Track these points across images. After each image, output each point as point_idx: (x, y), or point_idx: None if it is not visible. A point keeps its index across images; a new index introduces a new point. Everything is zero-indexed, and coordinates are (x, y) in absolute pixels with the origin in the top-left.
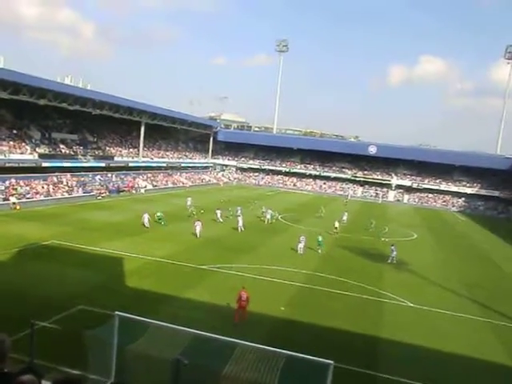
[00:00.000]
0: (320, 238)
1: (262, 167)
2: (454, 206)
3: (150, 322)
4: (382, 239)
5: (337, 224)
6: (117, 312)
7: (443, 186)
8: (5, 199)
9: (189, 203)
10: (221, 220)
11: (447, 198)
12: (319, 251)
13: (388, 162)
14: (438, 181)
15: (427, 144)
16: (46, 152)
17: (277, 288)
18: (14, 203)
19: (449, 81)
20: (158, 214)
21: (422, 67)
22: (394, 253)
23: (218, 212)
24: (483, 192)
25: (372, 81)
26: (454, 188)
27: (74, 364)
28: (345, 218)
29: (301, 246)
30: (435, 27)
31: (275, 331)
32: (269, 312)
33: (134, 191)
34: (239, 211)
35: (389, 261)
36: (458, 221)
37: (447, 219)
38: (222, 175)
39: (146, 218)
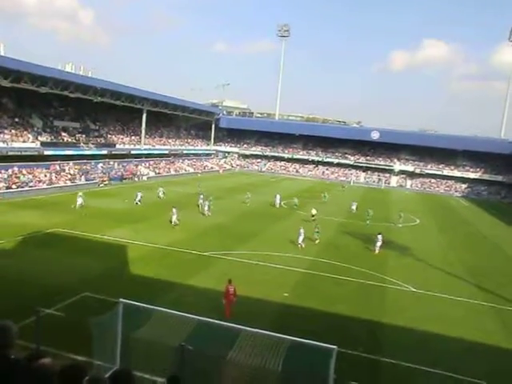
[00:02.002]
0: (318, 228)
1: (265, 154)
2: (457, 192)
3: (154, 309)
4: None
5: (314, 211)
6: (121, 299)
7: (446, 171)
8: (8, 187)
9: (160, 194)
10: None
11: (450, 183)
12: (316, 241)
13: (391, 148)
14: (440, 166)
15: (430, 129)
16: (48, 140)
17: (280, 274)
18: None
19: (452, 65)
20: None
21: (425, 51)
22: (379, 242)
23: (202, 201)
24: (486, 177)
25: (374, 66)
26: (457, 173)
27: (79, 350)
28: (354, 207)
29: (301, 238)
30: (439, 10)
31: (279, 317)
32: (272, 298)
33: (136, 179)
34: (201, 198)
35: (375, 250)
36: (461, 206)
37: (450, 204)
38: (225, 162)
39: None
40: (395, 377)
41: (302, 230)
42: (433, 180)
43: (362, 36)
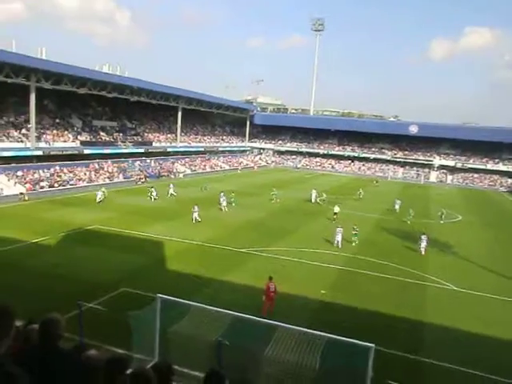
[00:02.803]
0: (356, 228)
1: (300, 150)
2: (502, 186)
3: (191, 304)
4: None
5: (337, 209)
6: (158, 294)
7: (490, 165)
8: (50, 186)
9: (171, 191)
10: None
11: (495, 177)
12: (354, 244)
13: (430, 142)
14: (484, 160)
15: (472, 122)
16: (88, 139)
17: (317, 271)
18: (21, 193)
19: (496, 53)
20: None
21: (467, 39)
22: (424, 243)
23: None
24: None
25: (412, 57)
26: (502, 167)
27: (119, 343)
28: (397, 206)
29: (338, 239)
30: None
31: (316, 314)
32: (309, 295)
33: (172, 176)
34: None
35: (421, 251)
36: (506, 201)
37: (495, 200)
38: (260, 159)
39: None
40: (434, 377)
41: (339, 229)
42: (476, 175)
43: (399, 26)
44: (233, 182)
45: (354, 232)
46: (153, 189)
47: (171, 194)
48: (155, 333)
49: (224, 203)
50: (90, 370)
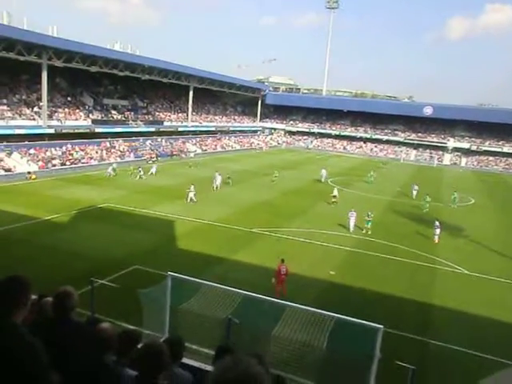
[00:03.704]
0: (370, 214)
1: (311, 130)
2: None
3: (202, 283)
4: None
5: (335, 192)
6: (169, 272)
7: (507, 148)
8: (62, 164)
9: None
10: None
11: (511, 160)
12: (368, 231)
13: (444, 124)
14: (500, 142)
15: (489, 103)
16: (99, 118)
17: (326, 252)
18: (29, 173)
19: None
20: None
21: (487, 17)
22: (438, 229)
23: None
24: None
25: (429, 36)
26: None
27: (130, 319)
28: (415, 192)
29: (351, 223)
30: None
31: (325, 294)
32: (318, 275)
33: (183, 155)
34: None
35: (434, 239)
36: None
37: (510, 183)
38: (271, 139)
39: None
40: (443, 359)
41: (352, 213)
42: (491, 157)
43: (414, 4)
44: (244, 162)
45: (367, 219)
46: (140, 169)
47: (191, 199)
48: (166, 310)
49: (218, 182)
50: (103, 341)
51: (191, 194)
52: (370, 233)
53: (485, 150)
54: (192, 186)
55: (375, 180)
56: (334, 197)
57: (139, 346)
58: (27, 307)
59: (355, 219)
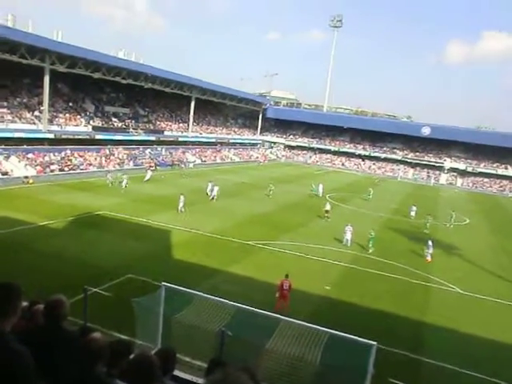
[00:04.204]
0: (372, 233)
1: (311, 145)
2: (511, 192)
3: (195, 294)
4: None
5: (328, 207)
6: (163, 282)
7: (501, 171)
8: (60, 169)
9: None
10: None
11: (504, 182)
12: (370, 250)
13: (442, 144)
14: (495, 165)
15: (486, 126)
16: (100, 125)
17: (322, 267)
18: (26, 177)
19: None
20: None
21: (484, 43)
22: (431, 249)
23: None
24: None
25: (429, 59)
26: None
27: (123, 329)
28: (413, 212)
29: (347, 237)
30: None
31: (319, 310)
32: (314, 290)
33: (183, 166)
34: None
35: (427, 258)
36: None
37: (503, 205)
38: (270, 152)
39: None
40: (435, 377)
41: (349, 227)
42: (485, 179)
43: (416, 27)
44: (243, 174)
45: (370, 236)
46: (125, 176)
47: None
48: (159, 320)
49: (214, 193)
50: (94, 352)
51: (181, 205)
52: (370, 251)
53: (480, 172)
54: (182, 197)
55: (373, 197)
56: (327, 211)
57: (131, 356)
58: (17, 315)
59: (351, 234)
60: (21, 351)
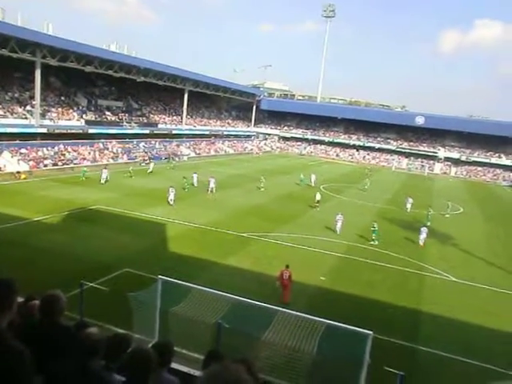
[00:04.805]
0: (375, 226)
1: (305, 137)
2: (504, 180)
3: (192, 287)
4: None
5: (318, 196)
6: (160, 276)
7: (494, 159)
8: (54, 164)
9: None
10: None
11: (498, 171)
12: (375, 242)
13: (436, 134)
14: (488, 153)
15: (478, 115)
16: (93, 119)
17: (317, 257)
18: (18, 172)
19: (507, 47)
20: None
21: (477, 32)
22: (424, 235)
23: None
24: None
25: (421, 48)
26: (505, 161)
27: (120, 323)
28: (409, 205)
29: (338, 225)
30: None
31: (315, 300)
32: (309, 281)
33: (176, 158)
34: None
35: (420, 243)
36: (508, 195)
37: (497, 193)
38: (265, 144)
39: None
40: (430, 365)
41: (339, 216)
42: (479, 168)
43: (409, 17)
44: (238, 166)
45: (372, 229)
46: (105, 170)
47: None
48: (156, 314)
49: (211, 185)
50: (90, 347)
51: (171, 196)
52: (377, 243)
53: (474, 161)
54: (171, 189)
55: (368, 188)
56: (318, 202)
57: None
58: (13, 311)
59: (342, 222)
60: (19, 349)
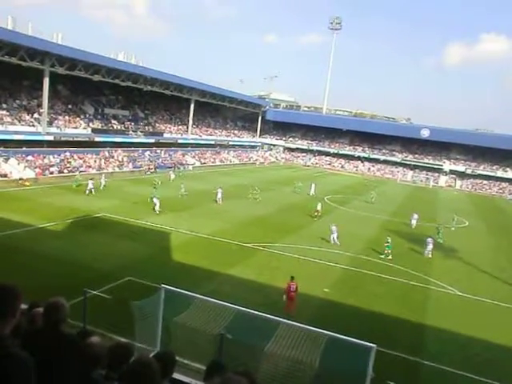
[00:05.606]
0: (389, 240)
1: (310, 148)
2: (510, 194)
3: (195, 296)
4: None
5: (319, 207)
6: (163, 285)
7: (500, 173)
8: (60, 172)
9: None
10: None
11: (504, 185)
12: (388, 256)
13: (441, 146)
14: (494, 167)
15: (486, 128)
16: (99, 127)
17: (321, 269)
18: (21, 179)
19: None
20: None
21: (482, 46)
22: (430, 246)
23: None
24: None
25: (428, 61)
26: (511, 175)
27: (122, 332)
28: (414, 221)
29: (334, 236)
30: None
31: (318, 312)
32: (312, 293)
33: (182, 168)
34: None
35: (425, 254)
36: None
37: (502, 207)
38: (270, 154)
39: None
40: (434, 380)
41: (334, 228)
42: (485, 181)
43: (415, 30)
44: (242, 176)
45: (386, 244)
46: (91, 180)
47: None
48: (158, 323)
49: (219, 195)
50: (92, 356)
51: (157, 206)
52: (390, 257)
53: (479, 174)
54: (155, 199)
55: (375, 200)
56: (317, 211)
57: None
58: (16, 318)
59: (337, 233)
60: (20, 356)
